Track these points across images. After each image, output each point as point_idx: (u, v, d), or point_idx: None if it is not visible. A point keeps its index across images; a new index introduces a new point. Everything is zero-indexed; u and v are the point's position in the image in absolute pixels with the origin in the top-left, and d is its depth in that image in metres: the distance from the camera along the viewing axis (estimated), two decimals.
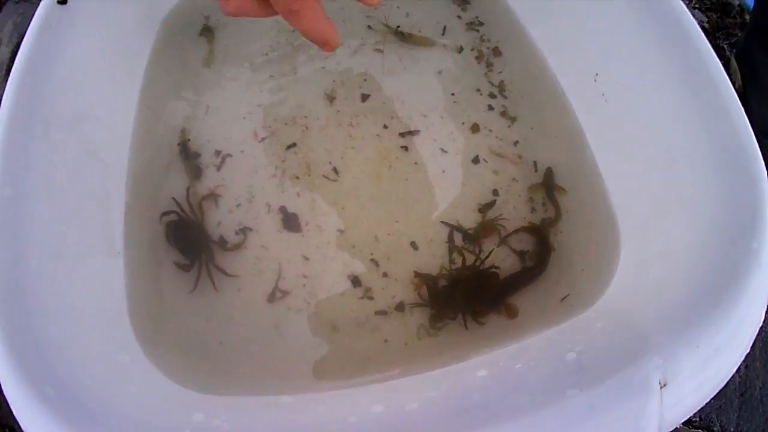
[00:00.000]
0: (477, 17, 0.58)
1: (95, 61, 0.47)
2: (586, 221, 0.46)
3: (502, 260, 0.45)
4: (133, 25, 0.54)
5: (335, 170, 0.49)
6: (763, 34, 0.70)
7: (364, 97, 0.53)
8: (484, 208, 0.48)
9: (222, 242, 0.46)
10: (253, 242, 0.46)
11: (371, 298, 0.43)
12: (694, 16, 0.64)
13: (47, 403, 0.30)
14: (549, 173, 0.49)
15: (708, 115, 0.39)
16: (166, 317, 0.43)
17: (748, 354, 0.57)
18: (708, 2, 0.83)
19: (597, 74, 0.49)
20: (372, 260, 0.45)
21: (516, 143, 0.51)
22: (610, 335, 0.35)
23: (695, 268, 0.36)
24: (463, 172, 0.49)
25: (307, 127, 0.52)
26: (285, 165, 0.50)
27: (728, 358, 0.31)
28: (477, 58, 0.56)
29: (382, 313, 0.43)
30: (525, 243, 0.47)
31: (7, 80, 0.39)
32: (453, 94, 0.53)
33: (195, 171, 0.50)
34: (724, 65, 0.39)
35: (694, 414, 0.54)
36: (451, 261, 0.45)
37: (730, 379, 0.55)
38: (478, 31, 0.57)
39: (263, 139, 0.51)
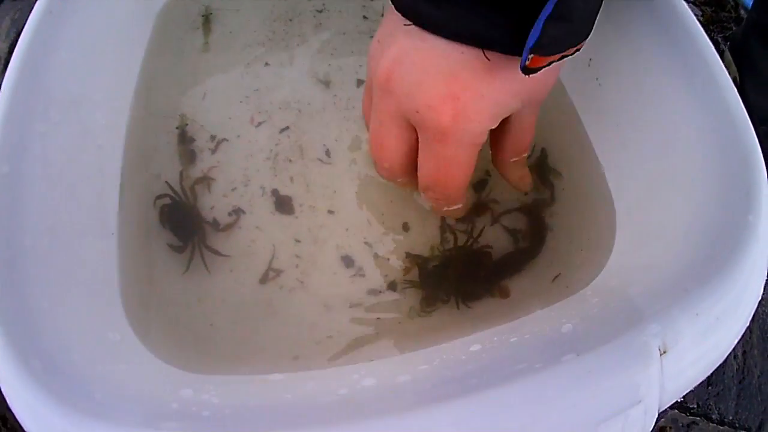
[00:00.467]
0: None
1: (94, 45, 0.47)
2: (582, 201, 0.46)
3: (495, 241, 0.45)
4: (132, 11, 0.54)
5: (328, 153, 0.49)
6: (762, 26, 0.69)
7: (361, 83, 0.52)
8: (477, 188, 0.47)
9: (215, 224, 0.46)
10: (246, 224, 0.46)
11: (363, 276, 0.43)
12: None
13: (33, 376, 0.29)
14: (543, 154, 0.48)
15: (701, 94, 0.39)
16: (158, 298, 0.43)
17: (746, 341, 0.56)
18: None
19: (590, 59, 0.49)
20: (365, 242, 0.44)
21: None
22: (607, 307, 0.34)
23: (692, 242, 0.35)
24: None
25: (300, 111, 0.51)
26: (278, 148, 0.49)
27: (728, 329, 0.30)
28: None
29: (374, 292, 0.42)
30: (519, 224, 0.46)
31: (5, 73, 0.39)
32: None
33: (189, 155, 0.49)
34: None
35: (691, 401, 0.53)
36: (443, 240, 0.44)
37: (727, 367, 0.55)
38: None
39: (260, 123, 0.50)
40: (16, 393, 0.28)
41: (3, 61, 0.78)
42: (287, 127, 0.50)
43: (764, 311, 0.58)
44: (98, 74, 0.48)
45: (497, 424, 0.25)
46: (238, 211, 0.46)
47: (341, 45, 0.55)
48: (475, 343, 0.36)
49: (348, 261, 0.43)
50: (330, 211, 0.46)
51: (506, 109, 0.33)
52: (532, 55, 0.27)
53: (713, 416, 0.53)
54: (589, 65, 0.48)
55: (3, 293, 0.31)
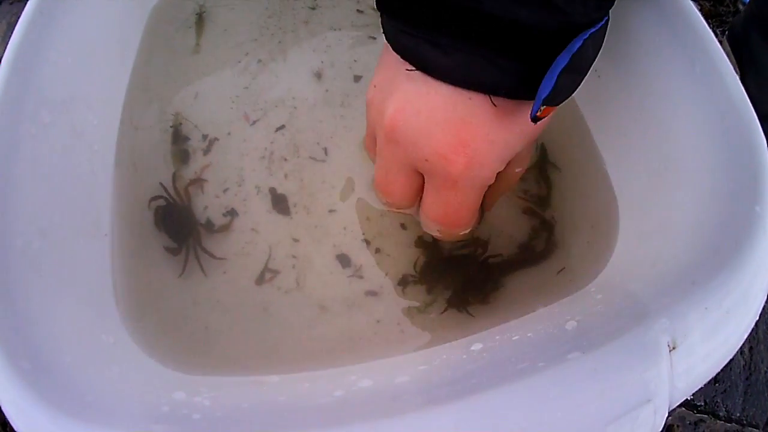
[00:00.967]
0: None
1: (86, 46, 0.47)
2: (584, 196, 0.45)
3: (497, 239, 0.44)
4: (124, 10, 0.53)
5: (324, 150, 0.48)
6: (762, 18, 0.68)
7: (357, 78, 0.51)
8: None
9: (209, 225, 0.45)
10: (241, 225, 0.45)
11: (361, 277, 0.41)
12: None
13: (22, 377, 0.28)
14: (542, 150, 0.47)
15: (703, 84, 0.38)
16: (152, 300, 0.42)
17: (753, 337, 0.55)
18: None
19: None
20: (363, 240, 0.43)
21: None
22: (612, 303, 0.33)
23: (698, 234, 0.34)
24: None
25: (295, 108, 0.50)
26: (273, 146, 0.48)
27: (738, 322, 0.29)
28: None
29: (372, 293, 0.41)
30: (522, 225, 0.45)
31: None
32: None
33: (182, 155, 0.48)
34: None
35: (698, 398, 0.52)
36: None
37: (734, 363, 0.53)
38: None
39: (254, 122, 0.49)
40: (6, 394, 0.28)
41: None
42: (283, 126, 0.49)
43: None
44: (90, 74, 0.47)
45: (498, 426, 0.24)
46: (232, 212, 0.45)
47: (335, 40, 0.54)
48: (476, 342, 0.35)
49: (345, 260, 0.42)
50: (326, 210, 0.45)
51: (514, 151, 0.32)
52: (544, 106, 0.26)
53: (720, 413, 0.52)
54: None
55: None
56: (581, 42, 0.26)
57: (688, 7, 0.38)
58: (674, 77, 0.39)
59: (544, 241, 0.43)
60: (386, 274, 0.42)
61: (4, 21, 0.90)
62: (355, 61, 0.52)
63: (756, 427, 0.51)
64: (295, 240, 0.43)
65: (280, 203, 0.45)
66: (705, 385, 0.44)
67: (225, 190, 0.46)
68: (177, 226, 0.44)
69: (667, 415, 0.25)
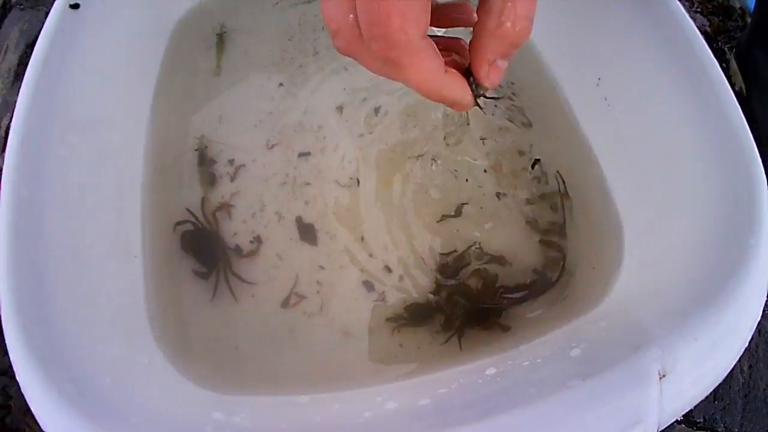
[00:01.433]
0: None
1: (109, 65, 0.49)
2: (592, 226, 0.48)
3: (508, 268, 0.47)
4: (145, 30, 0.56)
5: (346, 176, 0.51)
6: (765, 36, 0.71)
7: (377, 110, 0.54)
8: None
9: (238, 251, 0.48)
10: (267, 250, 0.48)
11: (384, 303, 0.45)
12: (695, 20, 0.66)
13: (69, 401, 0.31)
14: (559, 179, 0.50)
15: (707, 117, 0.41)
16: (184, 322, 0.45)
17: (752, 355, 0.58)
18: (709, 6, 0.85)
19: (599, 79, 0.50)
20: (386, 267, 0.47)
21: (522, 153, 0.52)
22: (613, 331, 0.37)
23: (694, 265, 0.37)
24: (474, 180, 0.51)
25: (316, 134, 0.53)
26: (296, 172, 0.51)
27: (726, 352, 0.32)
28: None
29: (394, 319, 0.44)
30: (532, 251, 0.48)
31: (16, 85, 0.40)
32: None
33: (210, 178, 0.51)
34: (724, 68, 0.40)
35: (698, 415, 0.55)
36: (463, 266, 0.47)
37: (733, 380, 0.57)
38: None
39: (273, 146, 0.52)
40: (52, 419, 0.30)
41: (13, 74, 0.79)
42: (307, 153, 0.52)
43: None
44: (115, 93, 0.49)
45: None
46: (259, 238, 0.48)
47: (354, 64, 0.57)
48: (490, 366, 0.39)
49: (369, 286, 0.46)
50: (351, 237, 0.48)
51: None
52: None
53: (719, 430, 0.55)
54: (597, 85, 0.50)
55: (32, 319, 0.33)
56: None
57: (696, 39, 0.41)
58: (679, 109, 0.42)
59: (557, 270, 0.46)
60: (408, 300, 0.45)
61: (15, 28, 0.92)
62: (375, 85, 0.55)
63: None
64: (321, 267, 0.47)
65: (307, 233, 0.48)
66: (704, 401, 0.48)
67: (253, 215, 0.49)
68: (206, 250, 0.47)
69: None
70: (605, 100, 0.50)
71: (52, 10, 0.44)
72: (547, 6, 0.53)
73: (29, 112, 0.39)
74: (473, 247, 0.47)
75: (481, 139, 0.53)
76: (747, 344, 0.33)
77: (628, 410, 0.29)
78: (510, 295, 0.45)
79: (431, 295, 0.45)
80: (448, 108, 0.31)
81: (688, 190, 0.41)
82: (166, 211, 0.50)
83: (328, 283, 0.46)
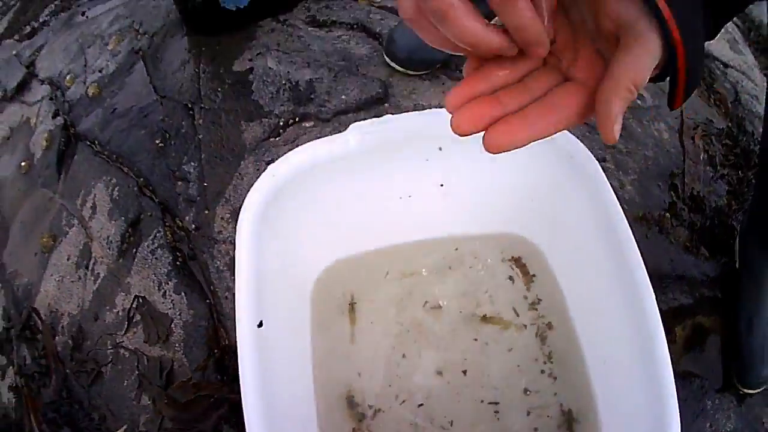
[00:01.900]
0: (537, 296, 0.90)
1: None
2: None
3: None
4: (290, 296, 0.84)
5: (450, 423, 0.79)
6: (759, 225, 0.92)
7: (466, 373, 0.83)
8: None
9: None
10: None
11: None
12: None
13: None
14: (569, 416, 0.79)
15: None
16: None
17: None
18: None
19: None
20: None
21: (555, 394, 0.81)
22: None
23: None
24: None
25: (429, 397, 0.81)
26: (417, 420, 0.79)
27: None
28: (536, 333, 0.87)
29: None
30: None
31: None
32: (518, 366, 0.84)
33: (358, 417, 0.78)
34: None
35: None
36: None
37: None
38: (536, 309, 0.89)
39: (403, 401, 0.80)
40: None
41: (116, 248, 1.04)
42: (422, 404, 0.80)
43: None
44: (281, 353, 0.75)
45: None
46: None
47: (448, 341, 0.86)
48: None
49: None
50: None
51: None
52: None
53: None
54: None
55: None
56: None
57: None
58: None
59: None
60: None
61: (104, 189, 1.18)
62: (465, 359, 0.84)
63: None
64: None
65: None
66: None
67: None
68: None
69: None
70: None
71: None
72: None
73: None
74: None
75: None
76: None
77: None
78: None
79: None
80: None
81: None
82: None
83: None
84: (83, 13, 1.62)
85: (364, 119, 0.98)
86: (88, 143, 1.25)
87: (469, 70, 0.38)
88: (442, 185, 0.85)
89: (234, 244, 0.88)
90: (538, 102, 0.37)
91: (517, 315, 0.86)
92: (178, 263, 1.03)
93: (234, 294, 0.64)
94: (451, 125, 0.35)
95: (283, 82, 1.04)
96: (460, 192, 0.86)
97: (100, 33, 1.44)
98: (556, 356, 0.83)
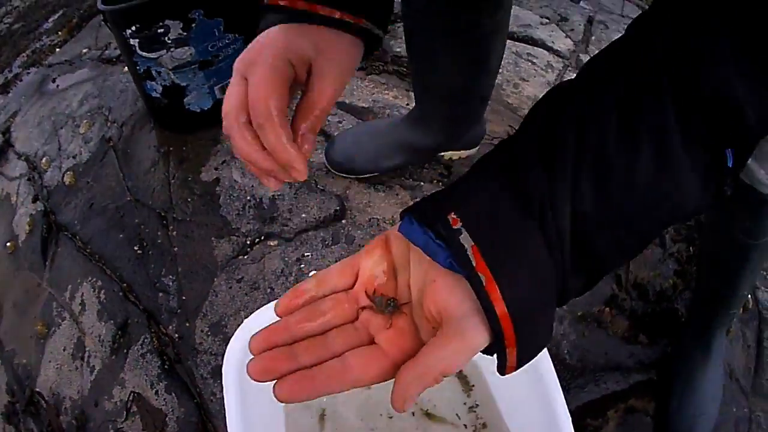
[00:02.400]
0: (476, 401, 1.05)
1: None
2: None
3: None
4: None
5: None
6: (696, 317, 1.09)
7: None
8: None
9: None
10: None
11: None
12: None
13: None
14: None
15: None
16: None
17: None
18: None
19: None
20: None
21: None
22: None
23: None
24: None
25: None
26: None
27: None
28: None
29: None
30: None
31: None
32: None
33: None
34: None
35: None
36: None
37: None
38: (476, 412, 1.04)
39: None
40: None
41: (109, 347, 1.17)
42: None
43: None
44: None
45: None
46: None
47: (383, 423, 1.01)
48: None
49: None
50: None
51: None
52: None
53: None
54: None
55: None
56: None
57: None
58: None
59: None
60: None
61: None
62: None
63: None
64: None
65: None
66: None
67: None
68: None
69: None
70: None
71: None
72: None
73: None
74: None
75: None
76: None
77: None
78: None
79: None
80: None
81: None
82: None
83: None
84: (54, 80, 1.68)
85: (323, 238, 1.09)
86: (70, 236, 1.35)
87: (280, 311, 0.41)
88: None
89: (214, 354, 1.01)
90: (334, 361, 0.37)
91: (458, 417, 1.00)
92: (166, 367, 1.15)
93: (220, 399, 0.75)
94: (247, 369, 0.37)
95: (248, 198, 1.14)
96: None
97: (71, 113, 1.51)
98: None
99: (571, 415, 0.77)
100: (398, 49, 1.37)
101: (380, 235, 0.43)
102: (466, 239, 0.34)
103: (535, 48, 1.51)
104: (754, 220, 0.84)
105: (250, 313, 0.81)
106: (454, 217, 0.35)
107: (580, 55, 1.43)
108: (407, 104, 1.25)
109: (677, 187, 0.33)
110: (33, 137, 1.56)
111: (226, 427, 0.78)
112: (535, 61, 1.42)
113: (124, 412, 1.21)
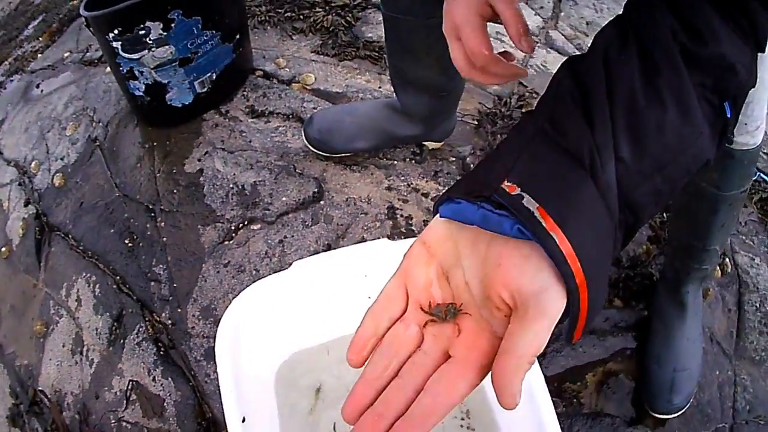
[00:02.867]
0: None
1: None
2: None
3: None
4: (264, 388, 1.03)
5: None
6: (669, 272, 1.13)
7: None
8: None
9: None
10: None
11: None
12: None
13: None
14: None
15: None
16: None
17: None
18: None
19: None
20: None
21: None
22: None
23: None
24: None
25: None
26: None
27: None
28: None
29: None
30: None
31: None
32: None
33: None
34: None
35: None
36: None
37: None
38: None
39: None
40: None
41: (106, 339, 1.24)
42: None
43: None
44: None
45: None
46: None
47: None
48: None
49: None
50: None
51: None
52: None
53: None
54: None
55: None
56: None
57: None
58: None
59: None
60: None
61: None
62: None
63: None
64: None
65: None
66: None
67: None
68: None
69: None
70: None
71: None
72: None
73: None
74: None
75: None
76: None
77: None
78: None
79: None
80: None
81: None
82: None
83: None
84: (38, 86, 1.73)
85: (303, 219, 1.15)
86: (62, 236, 1.41)
87: (354, 365, 0.40)
88: None
89: (206, 337, 1.07)
90: (421, 396, 0.37)
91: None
92: (161, 353, 1.22)
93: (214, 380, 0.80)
94: None
95: (231, 186, 1.20)
96: None
97: (57, 117, 1.56)
98: None
99: (550, 381, 0.79)
100: (370, 35, 1.43)
101: (413, 244, 0.42)
102: (529, 202, 0.34)
103: None
104: (721, 172, 0.91)
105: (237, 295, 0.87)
106: (509, 184, 0.36)
107: (549, 31, 1.48)
108: (379, 87, 1.30)
109: (699, 134, 0.38)
110: (21, 143, 1.61)
111: (221, 405, 0.84)
112: (504, 39, 1.48)
113: (124, 401, 1.27)
